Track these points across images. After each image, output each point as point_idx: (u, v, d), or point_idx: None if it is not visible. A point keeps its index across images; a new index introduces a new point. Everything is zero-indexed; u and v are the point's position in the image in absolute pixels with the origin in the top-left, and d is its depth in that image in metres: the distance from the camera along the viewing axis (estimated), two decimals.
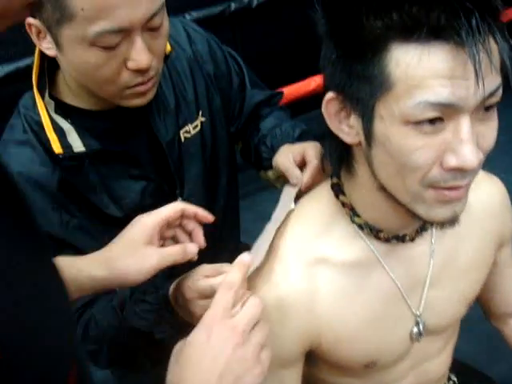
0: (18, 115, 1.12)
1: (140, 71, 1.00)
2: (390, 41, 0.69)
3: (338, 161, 0.86)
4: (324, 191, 0.91)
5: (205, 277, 0.95)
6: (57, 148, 1.06)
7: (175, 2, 1.08)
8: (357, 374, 0.96)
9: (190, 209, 0.98)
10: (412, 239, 0.88)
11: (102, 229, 1.12)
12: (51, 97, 1.10)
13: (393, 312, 0.91)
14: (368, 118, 0.74)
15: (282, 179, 1.21)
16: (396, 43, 0.69)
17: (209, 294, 0.92)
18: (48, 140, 1.07)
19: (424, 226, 0.89)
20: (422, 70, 0.68)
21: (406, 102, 0.69)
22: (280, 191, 1.09)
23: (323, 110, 0.79)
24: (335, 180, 0.89)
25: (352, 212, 0.86)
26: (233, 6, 2.63)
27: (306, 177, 1.07)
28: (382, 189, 0.80)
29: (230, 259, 1.33)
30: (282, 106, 1.42)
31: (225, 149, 1.31)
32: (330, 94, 0.77)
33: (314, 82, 2.69)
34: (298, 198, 1.00)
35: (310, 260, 0.87)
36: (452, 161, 0.71)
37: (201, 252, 0.99)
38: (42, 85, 1.09)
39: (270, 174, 1.26)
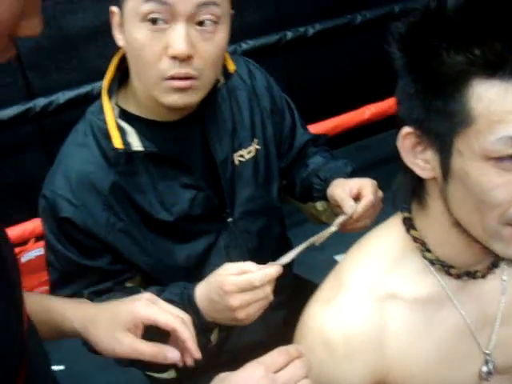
0: (84, 120, 1.19)
1: (177, 59, 1.04)
2: (472, 76, 0.69)
3: (411, 194, 0.85)
4: (394, 225, 0.90)
5: (242, 272, 0.99)
6: (118, 144, 1.11)
7: (231, 30, 1.12)
8: None
9: (182, 333, 0.95)
10: (483, 276, 0.87)
11: (147, 234, 1.17)
12: (117, 105, 1.17)
13: (462, 350, 0.89)
14: (446, 153, 0.73)
15: (330, 212, 1.26)
16: (478, 79, 0.68)
17: (247, 288, 0.98)
18: (108, 142, 1.12)
19: (496, 262, 0.88)
20: (504, 105, 0.67)
21: (487, 137, 0.68)
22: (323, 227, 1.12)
23: (398, 144, 0.78)
24: (406, 214, 0.88)
25: (423, 247, 0.85)
26: (289, 35, 2.66)
27: (360, 207, 1.11)
28: (457, 225, 0.79)
29: (289, 291, 1.36)
30: (327, 148, 1.46)
31: (276, 179, 1.34)
32: (406, 129, 0.77)
33: (369, 110, 2.69)
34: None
35: (380, 295, 0.86)
36: None
37: None
38: (111, 90, 1.16)
39: (319, 205, 1.30)
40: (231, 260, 1.08)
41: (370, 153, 3.02)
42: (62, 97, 2.32)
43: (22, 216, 2.27)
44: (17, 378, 0.64)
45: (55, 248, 1.15)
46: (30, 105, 2.29)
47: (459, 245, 0.82)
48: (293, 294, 1.38)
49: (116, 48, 1.16)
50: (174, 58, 1.04)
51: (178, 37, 1.03)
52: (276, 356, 0.80)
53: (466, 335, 0.89)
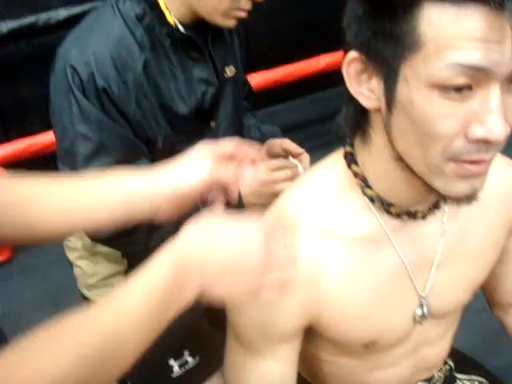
0: (107, 6, 1.22)
1: None
2: None
3: (354, 128, 0.81)
4: (336, 161, 0.87)
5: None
6: (170, 19, 1.19)
7: None
8: (355, 354, 0.92)
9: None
10: (423, 217, 0.84)
11: (162, 123, 1.23)
12: None
13: (398, 291, 0.87)
14: (392, 80, 0.69)
15: None
16: (430, 1, 0.64)
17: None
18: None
19: (437, 203, 0.85)
20: (455, 30, 0.63)
21: (435, 63, 0.64)
22: None
23: (343, 70, 0.74)
24: (348, 149, 0.84)
25: (364, 183, 0.82)
26: None
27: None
28: (399, 159, 0.75)
29: None
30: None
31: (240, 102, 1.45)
32: (352, 54, 0.72)
33: (324, 60, 2.64)
34: None
35: (317, 232, 0.82)
36: (478, 131, 0.66)
37: None
38: None
39: None
40: None
41: (327, 105, 3.01)
42: None
43: None
44: None
45: (91, 115, 1.14)
46: None
47: (400, 181, 0.79)
48: None
49: None
50: None
51: None
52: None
53: (402, 277, 0.87)
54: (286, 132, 1.53)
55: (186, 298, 0.70)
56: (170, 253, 0.70)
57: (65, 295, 1.62)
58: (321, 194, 0.85)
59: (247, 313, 0.85)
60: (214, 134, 1.32)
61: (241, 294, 0.74)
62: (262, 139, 1.43)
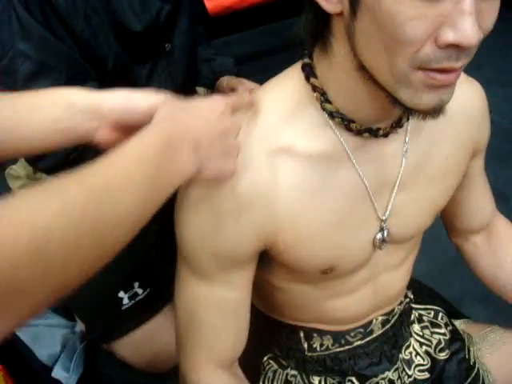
0: None
1: None
2: None
3: (313, 37, 0.75)
4: (293, 74, 0.80)
5: None
6: None
7: None
8: (312, 280, 0.88)
9: None
10: (386, 135, 0.79)
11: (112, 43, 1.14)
12: None
13: (357, 214, 0.83)
14: None
15: None
16: None
17: None
18: None
19: (400, 121, 0.80)
20: None
21: None
22: None
23: None
24: (307, 60, 0.78)
25: (323, 97, 0.76)
26: None
27: None
28: (362, 69, 0.69)
29: None
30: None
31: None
32: None
33: None
34: None
35: (273, 149, 0.76)
36: (449, 35, 0.60)
37: None
38: None
39: (201, 90, 1.43)
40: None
41: (278, 37, 2.93)
42: None
43: None
44: None
45: (33, 32, 1.04)
46: None
47: (362, 95, 0.73)
48: None
49: None
50: None
51: None
52: (240, 98, 0.78)
53: (362, 198, 0.82)
54: (239, 63, 1.49)
55: (180, 167, 0.66)
56: (156, 122, 0.68)
57: None
58: (276, 110, 0.78)
59: (197, 239, 0.80)
60: (169, 59, 1.25)
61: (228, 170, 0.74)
62: (212, 78, 1.40)
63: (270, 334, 1.01)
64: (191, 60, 1.35)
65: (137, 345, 1.35)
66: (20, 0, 1.03)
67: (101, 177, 0.58)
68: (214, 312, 0.84)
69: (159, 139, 0.64)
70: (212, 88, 1.43)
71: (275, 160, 0.76)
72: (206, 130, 0.70)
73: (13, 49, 1.05)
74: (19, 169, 1.32)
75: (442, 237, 1.14)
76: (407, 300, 1.07)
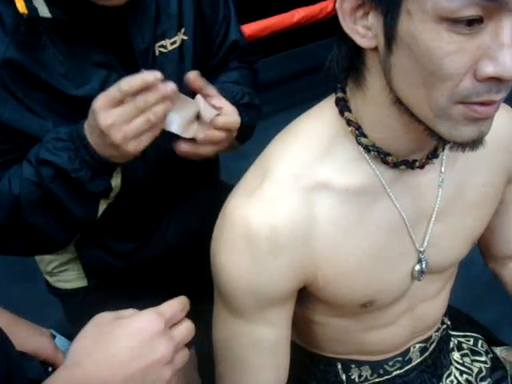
0: None
1: None
2: None
3: (347, 70, 0.75)
4: (326, 108, 0.80)
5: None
6: (21, 7, 0.92)
7: None
8: (351, 314, 0.87)
9: None
10: (421, 166, 0.78)
11: (58, 108, 1.02)
12: None
13: (396, 246, 0.82)
14: (392, 14, 0.62)
15: None
16: None
17: (117, 98, 0.87)
18: (6, 7, 0.94)
19: (435, 152, 0.79)
20: None
21: None
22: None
23: (337, 6, 0.67)
24: (340, 94, 0.77)
25: (358, 131, 0.76)
26: None
27: (221, 118, 1.00)
28: (398, 102, 0.69)
29: (209, 195, 1.28)
30: (253, 68, 1.32)
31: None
32: None
33: (298, 13, 2.55)
34: None
35: (309, 186, 0.76)
36: (489, 68, 0.60)
37: (180, 187, 0.97)
38: None
39: None
40: None
41: (299, 62, 2.94)
42: None
43: None
44: None
45: None
46: None
47: (398, 128, 0.73)
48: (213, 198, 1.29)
49: None
50: None
51: None
52: (176, 307, 0.73)
53: (400, 230, 0.82)
54: (261, 90, 1.43)
55: None
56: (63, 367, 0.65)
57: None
58: (311, 145, 0.78)
59: (236, 279, 0.79)
60: None
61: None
62: None
63: (308, 367, 1.00)
64: None
65: None
66: None
67: None
68: (252, 351, 0.83)
69: None
70: None
71: (312, 196, 0.76)
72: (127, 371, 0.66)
73: None
74: None
75: (476, 261, 1.12)
76: (444, 326, 1.05)
